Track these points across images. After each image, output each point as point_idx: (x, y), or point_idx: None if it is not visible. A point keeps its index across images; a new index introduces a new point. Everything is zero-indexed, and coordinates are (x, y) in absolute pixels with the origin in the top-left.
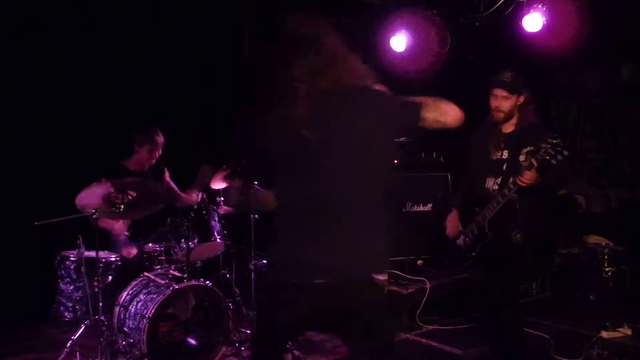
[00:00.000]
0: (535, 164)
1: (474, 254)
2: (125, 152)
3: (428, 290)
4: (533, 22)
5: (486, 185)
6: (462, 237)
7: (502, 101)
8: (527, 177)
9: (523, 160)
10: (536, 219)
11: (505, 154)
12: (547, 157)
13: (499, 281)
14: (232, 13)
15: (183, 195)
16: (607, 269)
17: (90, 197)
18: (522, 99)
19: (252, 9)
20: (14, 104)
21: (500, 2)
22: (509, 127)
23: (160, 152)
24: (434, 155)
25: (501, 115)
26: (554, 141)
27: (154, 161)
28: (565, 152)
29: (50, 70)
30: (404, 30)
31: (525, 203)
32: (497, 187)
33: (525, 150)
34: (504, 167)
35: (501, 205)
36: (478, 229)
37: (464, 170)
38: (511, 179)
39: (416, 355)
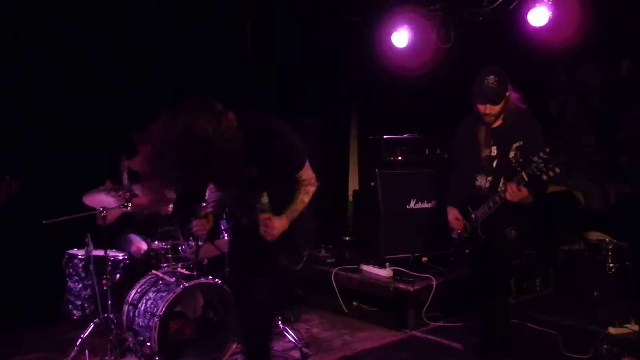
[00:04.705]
0: (526, 179)
1: (467, 251)
2: (130, 153)
3: (434, 287)
4: (539, 16)
5: (477, 184)
6: (455, 231)
7: (491, 108)
8: (514, 193)
9: (512, 157)
10: (530, 215)
11: (495, 151)
12: (538, 173)
13: (490, 278)
14: (233, 11)
15: None
16: (610, 265)
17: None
18: (508, 93)
19: (254, 7)
20: (19, 104)
21: None
22: (496, 121)
23: None
24: (438, 152)
25: (492, 118)
26: (546, 156)
27: None
28: (557, 169)
29: (55, 71)
30: (405, 26)
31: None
32: (488, 185)
33: (515, 145)
34: (494, 164)
35: (493, 210)
36: (471, 228)
37: (453, 164)
38: (501, 187)
39: (423, 352)
